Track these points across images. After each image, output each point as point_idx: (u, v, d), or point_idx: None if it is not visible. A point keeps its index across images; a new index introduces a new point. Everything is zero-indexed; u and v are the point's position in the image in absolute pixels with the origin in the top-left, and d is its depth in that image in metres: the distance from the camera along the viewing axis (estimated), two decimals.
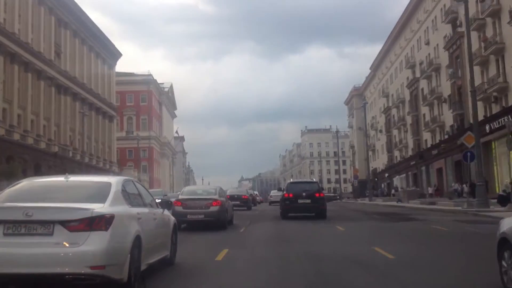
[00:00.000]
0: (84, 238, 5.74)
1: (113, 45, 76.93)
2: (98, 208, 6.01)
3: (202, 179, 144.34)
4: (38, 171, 49.72)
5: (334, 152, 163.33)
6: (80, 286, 6.10)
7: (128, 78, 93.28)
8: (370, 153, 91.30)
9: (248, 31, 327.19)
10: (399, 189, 51.44)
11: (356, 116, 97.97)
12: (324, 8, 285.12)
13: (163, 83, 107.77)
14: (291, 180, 31.71)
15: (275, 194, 45.64)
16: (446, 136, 49.19)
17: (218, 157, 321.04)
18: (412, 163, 60.17)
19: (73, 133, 61.07)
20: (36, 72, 51.78)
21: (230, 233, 15.29)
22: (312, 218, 20.64)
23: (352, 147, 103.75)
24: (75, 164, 57.56)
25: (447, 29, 49.41)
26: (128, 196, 7.03)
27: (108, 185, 6.79)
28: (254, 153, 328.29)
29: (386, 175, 75.29)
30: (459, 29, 45.63)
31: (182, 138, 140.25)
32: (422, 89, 57.78)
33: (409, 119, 63.97)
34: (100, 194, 6.49)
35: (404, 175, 65.44)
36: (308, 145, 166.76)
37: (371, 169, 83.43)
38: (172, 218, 9.34)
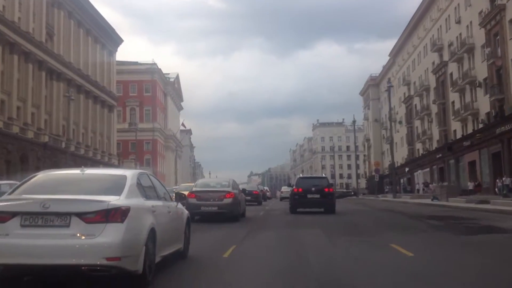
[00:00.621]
0: (100, 230, 5.78)
1: (114, 30, 72.03)
2: (114, 200, 6.08)
3: (209, 174, 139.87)
4: (25, 163, 45.33)
5: (347, 147, 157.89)
6: (96, 278, 6.07)
7: (131, 67, 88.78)
8: (388, 146, 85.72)
9: (257, 27, 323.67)
10: (432, 184, 45.55)
11: (373, 107, 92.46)
12: (334, 4, 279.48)
13: (168, 74, 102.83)
14: (301, 175, 32.19)
15: (285, 189, 45.95)
16: (481, 125, 43.50)
17: (227, 152, 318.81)
18: (438, 156, 54.29)
19: (67, 123, 56.27)
20: (24, 54, 47.04)
21: (197, 262, 8.53)
22: (343, 226, 15.01)
23: (367, 140, 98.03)
24: (68, 156, 52.83)
25: (483, 4, 43.53)
26: (143, 189, 7.07)
27: (124, 178, 6.82)
28: (264, 148, 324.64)
29: (406, 169, 69.26)
30: (498, 2, 39.97)
31: (189, 132, 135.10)
32: (451, 74, 51.84)
33: (434, 108, 58.03)
34: (115, 187, 6.53)
35: (428, 169, 59.49)
36: (320, 139, 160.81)
37: (389, 162, 78.12)
38: (186, 212, 9.14)
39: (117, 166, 67.84)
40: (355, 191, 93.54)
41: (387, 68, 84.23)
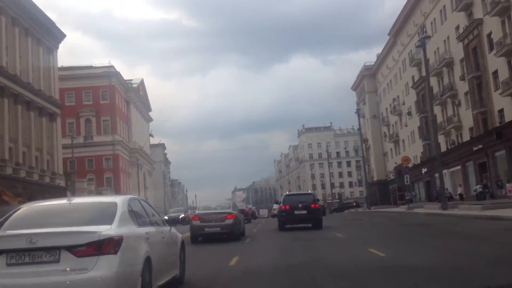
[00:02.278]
0: (93, 263, 5.42)
1: (53, 24, 58.53)
2: (105, 230, 5.70)
3: (186, 191, 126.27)
4: None
5: (337, 153, 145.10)
6: None
7: (84, 72, 75.76)
8: (392, 145, 72.78)
9: (232, 44, 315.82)
10: (509, 184, 31.96)
11: (369, 102, 79.51)
12: (305, 17, 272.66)
13: (131, 80, 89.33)
14: (287, 192, 35.86)
15: (277, 207, 45.73)
16: None
17: (210, 169, 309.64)
18: (476, 147, 40.92)
19: None
20: None
21: None
22: None
23: (365, 141, 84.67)
24: None
25: None
26: (135, 216, 6.67)
27: (114, 205, 6.45)
28: (247, 163, 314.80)
29: (424, 170, 55.56)
30: None
31: (162, 146, 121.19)
32: (489, 34, 38.76)
33: (463, 86, 44.83)
34: (106, 215, 6.15)
35: (459, 167, 46.01)
36: (307, 146, 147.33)
37: (395, 164, 65.10)
38: (179, 235, 8.76)
39: (65, 188, 54.92)
40: (357, 202, 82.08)
41: (386, 51, 71.09)
